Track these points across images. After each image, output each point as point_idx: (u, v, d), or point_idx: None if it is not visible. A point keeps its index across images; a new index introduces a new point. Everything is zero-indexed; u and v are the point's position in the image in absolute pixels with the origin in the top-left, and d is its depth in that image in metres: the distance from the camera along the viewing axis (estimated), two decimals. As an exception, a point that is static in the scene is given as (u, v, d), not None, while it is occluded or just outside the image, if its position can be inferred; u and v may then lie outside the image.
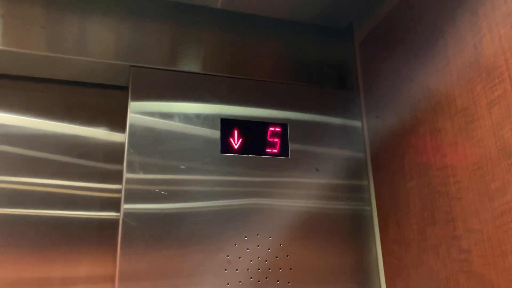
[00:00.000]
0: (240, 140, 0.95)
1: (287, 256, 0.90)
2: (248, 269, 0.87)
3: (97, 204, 0.92)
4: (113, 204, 0.92)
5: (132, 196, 0.85)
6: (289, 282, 0.89)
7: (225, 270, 0.86)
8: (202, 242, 0.86)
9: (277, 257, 0.90)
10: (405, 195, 0.87)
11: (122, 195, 0.85)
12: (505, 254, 0.64)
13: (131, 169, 0.86)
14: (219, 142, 0.93)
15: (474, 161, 0.71)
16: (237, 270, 0.87)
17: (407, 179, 0.87)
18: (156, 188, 0.86)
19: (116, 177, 0.92)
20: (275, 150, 0.96)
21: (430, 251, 0.79)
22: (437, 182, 0.78)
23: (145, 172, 0.87)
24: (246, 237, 0.89)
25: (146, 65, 0.94)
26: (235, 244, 0.88)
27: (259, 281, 0.87)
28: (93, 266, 0.88)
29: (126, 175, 0.86)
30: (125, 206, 0.84)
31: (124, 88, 0.95)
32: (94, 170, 0.94)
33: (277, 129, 0.98)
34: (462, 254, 0.72)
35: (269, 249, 0.90)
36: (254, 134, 0.96)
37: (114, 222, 0.89)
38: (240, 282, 0.86)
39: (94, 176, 0.94)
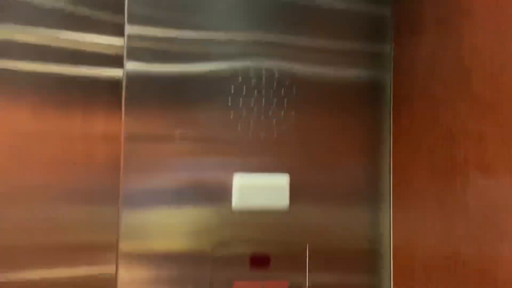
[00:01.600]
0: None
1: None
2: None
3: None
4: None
5: (135, 54, 0.75)
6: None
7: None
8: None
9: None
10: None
11: (124, 52, 0.74)
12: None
13: (133, 22, 0.75)
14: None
15: None
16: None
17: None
18: (161, 47, 0.76)
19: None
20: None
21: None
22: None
23: (150, 26, 0.75)
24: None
25: None
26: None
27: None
28: (107, 124, 0.79)
29: (128, 28, 0.74)
30: (128, 65, 0.74)
31: None
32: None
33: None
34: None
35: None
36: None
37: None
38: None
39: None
